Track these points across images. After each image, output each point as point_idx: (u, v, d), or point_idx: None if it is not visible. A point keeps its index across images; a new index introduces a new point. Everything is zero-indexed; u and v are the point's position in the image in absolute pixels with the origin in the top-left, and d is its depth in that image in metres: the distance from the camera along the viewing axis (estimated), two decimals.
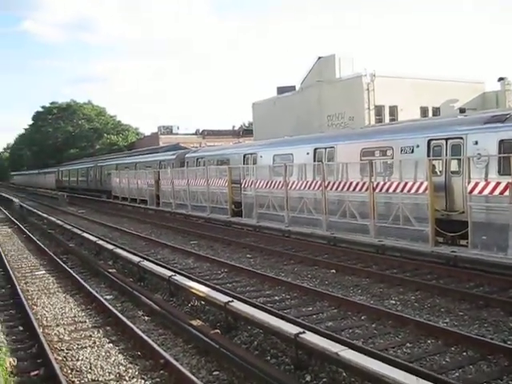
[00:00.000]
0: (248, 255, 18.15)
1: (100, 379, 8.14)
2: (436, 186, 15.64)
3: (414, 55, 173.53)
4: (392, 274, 14.20)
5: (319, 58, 45.30)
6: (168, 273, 13.44)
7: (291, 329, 8.27)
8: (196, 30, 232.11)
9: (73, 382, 8.07)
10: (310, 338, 7.85)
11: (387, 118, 38.79)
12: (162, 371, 8.24)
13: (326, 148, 21.16)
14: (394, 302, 11.72)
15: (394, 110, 39.39)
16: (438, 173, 16.62)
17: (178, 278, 12.84)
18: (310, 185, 20.14)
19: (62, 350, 9.56)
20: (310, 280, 14.18)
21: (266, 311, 10.05)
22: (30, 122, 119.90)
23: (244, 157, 27.18)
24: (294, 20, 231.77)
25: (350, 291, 12.81)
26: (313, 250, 17.95)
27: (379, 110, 39.14)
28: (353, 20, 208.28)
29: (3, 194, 63.67)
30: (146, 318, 11.48)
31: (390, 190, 16.70)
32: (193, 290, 11.71)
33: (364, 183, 17.59)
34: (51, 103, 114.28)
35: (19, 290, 13.72)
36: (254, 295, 12.64)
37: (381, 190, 16.97)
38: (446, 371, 7.73)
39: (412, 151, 17.34)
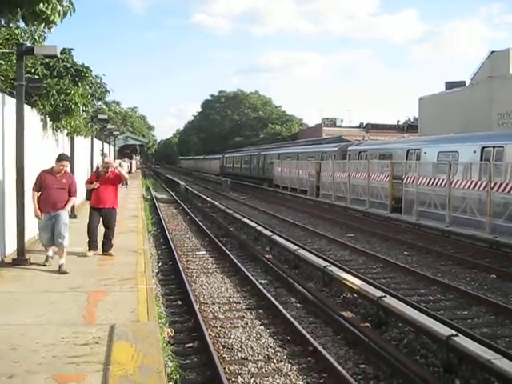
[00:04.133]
0: (405, 252, 17.79)
1: (249, 358, 8.38)
2: None
3: None
4: None
5: (492, 52, 43.05)
6: (323, 263, 13.53)
7: (444, 330, 8.05)
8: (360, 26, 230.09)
9: (223, 357, 8.39)
10: (463, 341, 7.61)
11: None
12: (309, 358, 8.32)
13: (494, 147, 20.16)
14: None
15: None
16: None
17: (333, 268, 12.89)
18: (475, 185, 19.32)
19: (216, 327, 9.96)
20: (468, 283, 13.64)
21: (419, 310, 9.83)
22: (199, 110, 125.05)
23: (407, 152, 26.55)
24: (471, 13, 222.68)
25: (511, 299, 12.15)
26: (473, 253, 17.21)
27: None
28: None
29: (171, 177, 67.06)
30: (298, 304, 11.65)
31: None
32: (346, 282, 11.70)
33: None
34: (219, 92, 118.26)
35: (180, 268, 14.45)
36: (408, 293, 12.38)
37: None
38: None
39: None
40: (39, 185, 10.97)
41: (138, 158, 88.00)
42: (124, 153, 59.92)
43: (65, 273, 10.52)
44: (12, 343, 6.44)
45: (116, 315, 7.67)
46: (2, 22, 7.66)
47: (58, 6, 6.15)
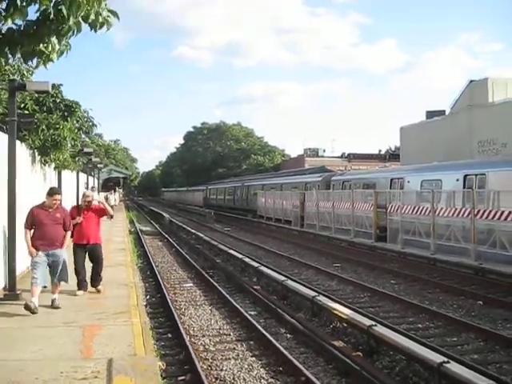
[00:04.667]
0: (392, 281, 17.92)
1: None
2: None
3: None
4: None
5: (471, 81, 43.78)
6: (311, 293, 13.61)
7: (435, 357, 8.16)
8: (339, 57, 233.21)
9: None
10: (455, 368, 7.71)
11: None
12: None
13: (476, 175, 20.52)
14: None
15: None
16: None
17: (322, 298, 12.98)
18: (459, 212, 19.58)
19: (207, 359, 9.96)
20: (456, 310, 13.78)
21: (410, 338, 9.94)
22: (182, 142, 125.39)
23: (391, 181, 26.89)
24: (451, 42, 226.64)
25: (498, 325, 12.29)
26: (459, 280, 17.39)
27: None
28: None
29: (154, 209, 66.94)
30: (289, 335, 11.66)
31: None
32: (335, 312, 11.78)
33: None
34: (202, 124, 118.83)
35: (169, 300, 14.41)
36: (397, 321, 12.47)
37: None
38: None
39: None
40: (31, 222, 10.52)
41: (121, 190, 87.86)
42: (107, 185, 59.89)
43: (57, 308, 10.38)
44: (11, 379, 6.45)
45: (113, 349, 7.71)
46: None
47: (57, 46, 6.28)
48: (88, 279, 12.22)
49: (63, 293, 11.29)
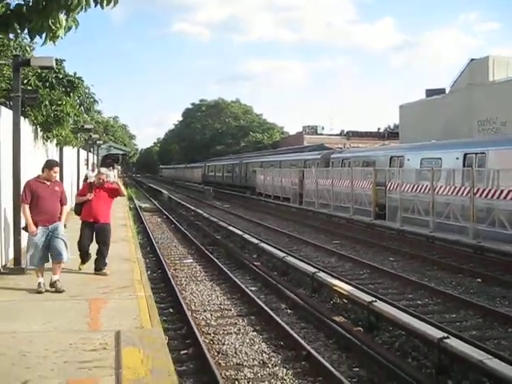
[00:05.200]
0: (391, 258, 18.09)
1: (244, 364, 8.54)
2: None
3: None
4: None
5: (471, 60, 43.67)
6: (312, 269, 13.77)
7: (435, 333, 8.30)
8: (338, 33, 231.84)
9: (219, 363, 8.55)
10: (454, 343, 7.84)
11: None
12: (303, 362, 8.51)
13: (476, 154, 20.58)
14: None
15: None
16: None
17: (322, 274, 13.13)
18: (458, 191, 19.69)
19: (209, 333, 10.10)
20: (455, 287, 13.94)
21: (409, 314, 10.09)
22: (180, 119, 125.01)
23: (390, 159, 26.95)
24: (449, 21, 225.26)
25: (497, 302, 12.46)
26: (458, 258, 17.57)
27: None
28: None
29: (153, 186, 67.02)
30: (289, 310, 11.82)
31: None
32: (336, 288, 11.94)
33: None
34: (200, 101, 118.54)
35: (169, 276, 14.57)
36: (396, 298, 12.63)
37: None
38: None
39: None
40: (29, 195, 9.87)
41: (119, 167, 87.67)
42: (106, 162, 59.77)
43: (60, 291, 9.70)
44: (22, 350, 6.57)
45: (119, 321, 7.82)
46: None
47: (64, 22, 6.32)
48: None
49: (64, 270, 10.72)
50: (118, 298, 9.37)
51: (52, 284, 9.83)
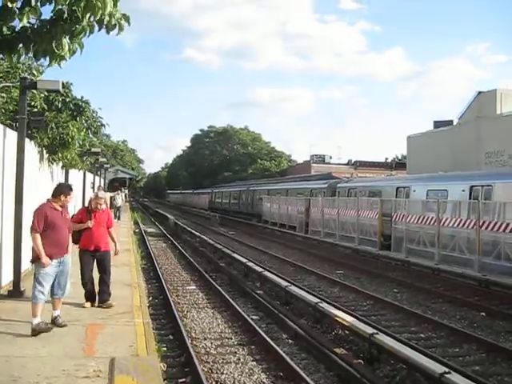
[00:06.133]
0: (395, 290, 17.92)
1: None
2: None
3: None
4: None
5: (479, 92, 43.88)
6: (314, 299, 13.64)
7: (436, 367, 8.18)
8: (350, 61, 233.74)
9: None
10: (456, 379, 7.72)
11: None
12: None
13: (482, 186, 20.49)
14: None
15: None
16: None
17: (324, 305, 13.00)
18: (464, 223, 19.55)
19: (208, 362, 9.98)
20: (458, 321, 13.77)
21: (411, 347, 9.95)
22: (189, 144, 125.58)
23: (397, 190, 26.87)
24: (457, 53, 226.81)
25: (501, 337, 12.29)
26: (462, 291, 17.36)
27: None
28: None
29: (159, 211, 67.06)
30: (290, 341, 11.68)
31: None
32: (337, 319, 11.80)
33: None
34: (209, 127, 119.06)
35: (171, 302, 14.43)
36: (399, 330, 12.48)
37: None
38: None
39: None
40: (42, 223, 8.89)
41: (127, 191, 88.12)
42: (113, 186, 60.14)
43: (62, 326, 9.03)
44: (13, 375, 6.50)
45: (115, 348, 7.75)
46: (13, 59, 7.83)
47: (67, 46, 6.32)
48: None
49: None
50: (115, 323, 9.30)
51: (53, 320, 9.09)
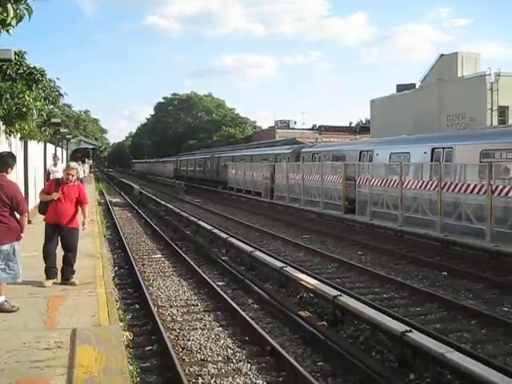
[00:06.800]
0: (359, 252, 18.12)
1: (209, 359, 8.45)
2: None
3: None
4: (507, 280, 13.64)
5: (441, 55, 44.20)
6: (279, 264, 13.70)
7: (398, 327, 8.30)
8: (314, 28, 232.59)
9: (183, 359, 8.44)
10: (417, 337, 7.84)
11: (511, 120, 37.24)
12: (268, 357, 8.44)
13: (444, 148, 20.70)
14: (506, 309, 11.37)
15: None
16: None
17: (289, 269, 13.07)
18: (426, 185, 19.77)
19: (175, 329, 9.99)
20: (421, 281, 14.00)
21: (374, 308, 10.08)
22: (152, 113, 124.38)
23: (360, 153, 27.02)
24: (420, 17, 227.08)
25: (461, 295, 12.54)
26: (425, 251, 17.63)
27: (503, 111, 37.59)
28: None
29: (124, 181, 66.60)
30: (256, 305, 11.76)
31: (510, 194, 16.09)
32: (302, 282, 11.89)
33: (482, 186, 17.05)
34: (172, 95, 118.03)
35: (137, 271, 14.41)
36: (363, 292, 12.65)
37: (500, 193, 16.39)
38: None
39: None
40: None
41: (91, 161, 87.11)
42: (76, 157, 59.36)
43: (11, 311, 8.25)
44: None
45: (77, 319, 7.70)
46: None
47: (12, 12, 6.14)
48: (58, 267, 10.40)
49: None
50: (77, 295, 9.23)
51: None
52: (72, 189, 10.31)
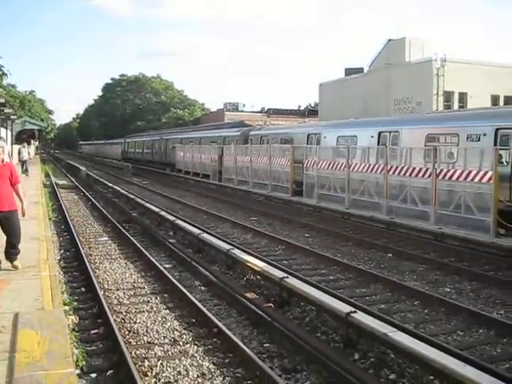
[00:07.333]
0: (306, 234, 18.27)
1: (155, 342, 8.43)
2: (501, 177, 15.36)
3: (489, 41, 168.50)
4: (449, 262, 14.04)
5: (389, 40, 44.68)
6: (226, 246, 13.72)
7: (343, 308, 8.41)
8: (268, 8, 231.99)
9: (129, 342, 8.40)
10: (361, 317, 7.96)
11: (456, 105, 37.95)
12: (214, 339, 8.47)
13: (390, 132, 21.02)
14: (448, 289, 11.64)
15: (463, 97, 38.44)
16: (505, 163, 16.37)
17: (236, 251, 13.09)
18: (373, 168, 20.04)
19: (121, 312, 9.93)
20: (366, 262, 14.21)
21: (320, 289, 10.19)
22: (100, 94, 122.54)
23: (308, 136, 27.20)
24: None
25: (406, 276, 12.79)
26: (371, 233, 17.89)
27: (448, 97, 38.28)
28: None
29: (71, 162, 65.50)
30: (203, 288, 11.77)
31: (453, 178, 16.44)
32: (249, 264, 11.93)
33: (427, 169, 17.39)
34: (120, 75, 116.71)
35: (83, 254, 14.21)
36: (310, 273, 12.76)
37: (444, 177, 16.74)
38: (496, 361, 7.67)
39: (478, 139, 17.09)
40: None
41: (37, 143, 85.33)
42: (21, 138, 58.07)
43: None
44: None
45: (20, 303, 7.56)
46: None
47: None
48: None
49: None
50: (21, 278, 9.05)
51: None
52: (3, 168, 9.70)
